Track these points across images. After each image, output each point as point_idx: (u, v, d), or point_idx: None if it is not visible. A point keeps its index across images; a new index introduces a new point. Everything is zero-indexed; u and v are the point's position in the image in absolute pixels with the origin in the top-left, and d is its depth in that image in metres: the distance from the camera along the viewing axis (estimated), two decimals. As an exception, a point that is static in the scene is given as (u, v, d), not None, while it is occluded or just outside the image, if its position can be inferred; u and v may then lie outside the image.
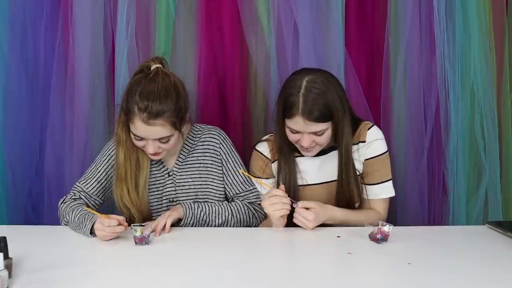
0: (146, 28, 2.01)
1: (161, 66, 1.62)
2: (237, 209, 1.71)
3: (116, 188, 1.66)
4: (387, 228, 1.45)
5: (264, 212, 1.72)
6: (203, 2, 1.99)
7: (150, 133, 1.55)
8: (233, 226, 1.70)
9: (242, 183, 1.75)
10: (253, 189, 1.76)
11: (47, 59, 2.03)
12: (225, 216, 1.69)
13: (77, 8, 1.96)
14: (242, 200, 1.75)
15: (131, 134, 1.60)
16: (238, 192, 1.75)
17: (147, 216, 1.71)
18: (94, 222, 1.52)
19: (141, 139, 1.58)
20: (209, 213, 1.68)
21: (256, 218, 1.74)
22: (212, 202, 1.72)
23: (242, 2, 1.98)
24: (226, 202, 1.74)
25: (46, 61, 2.03)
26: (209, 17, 2.00)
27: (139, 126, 1.54)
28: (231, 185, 1.75)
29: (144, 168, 1.68)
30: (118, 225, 1.49)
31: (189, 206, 1.67)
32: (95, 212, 1.54)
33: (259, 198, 1.76)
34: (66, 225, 1.65)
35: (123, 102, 1.60)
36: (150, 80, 1.56)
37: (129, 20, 1.97)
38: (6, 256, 1.22)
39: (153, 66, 1.61)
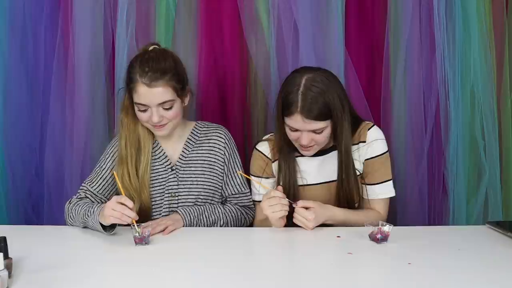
0: (146, 28, 2.01)
1: (158, 47, 1.70)
2: (232, 216, 1.74)
3: (117, 171, 1.69)
4: (387, 228, 1.45)
5: (253, 215, 1.78)
6: (203, 2, 1.99)
7: (153, 96, 1.58)
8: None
9: (238, 184, 1.77)
10: (248, 192, 1.79)
11: (47, 59, 2.03)
12: (219, 224, 1.72)
13: (77, 8, 1.96)
14: (235, 203, 1.78)
15: (135, 108, 1.64)
16: (233, 193, 1.77)
17: (147, 202, 1.71)
18: (102, 208, 1.50)
19: (145, 109, 1.61)
20: (206, 225, 1.70)
21: (246, 221, 1.79)
22: (210, 207, 1.73)
23: (242, 2, 1.98)
24: (223, 208, 1.74)
25: (46, 61, 2.03)
26: (209, 17, 2.00)
27: (141, 92, 1.59)
28: (227, 185, 1.77)
29: (145, 153, 1.71)
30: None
31: (190, 222, 1.67)
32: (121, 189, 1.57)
33: (252, 201, 1.79)
34: (71, 223, 1.65)
35: (125, 81, 1.66)
36: (149, 52, 1.66)
37: (129, 20, 1.97)
38: (6, 256, 1.22)
39: (151, 47, 1.68)
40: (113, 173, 1.70)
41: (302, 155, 1.70)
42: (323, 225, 1.60)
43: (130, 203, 1.46)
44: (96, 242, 1.51)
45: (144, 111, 1.62)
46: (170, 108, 1.62)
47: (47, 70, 2.03)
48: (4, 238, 1.24)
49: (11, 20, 2.00)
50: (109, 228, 1.53)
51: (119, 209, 1.45)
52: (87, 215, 1.56)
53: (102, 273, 1.29)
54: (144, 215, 1.69)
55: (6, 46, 2.01)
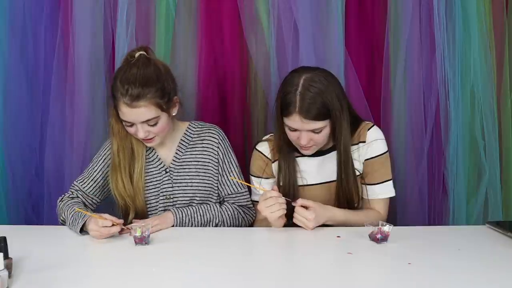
0: (146, 28, 2.01)
1: (145, 53, 1.65)
2: (228, 215, 1.72)
3: (111, 178, 1.70)
4: (387, 228, 1.45)
5: (253, 215, 1.77)
6: (203, 2, 1.99)
7: (135, 115, 1.57)
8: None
9: (235, 184, 1.76)
10: (245, 191, 1.78)
11: (47, 59, 2.03)
12: (215, 222, 1.71)
13: (77, 8, 1.96)
14: (232, 203, 1.76)
15: (122, 122, 1.63)
16: (229, 193, 1.76)
17: (141, 207, 1.72)
18: (85, 221, 1.54)
19: (131, 124, 1.61)
20: (200, 223, 1.69)
21: (245, 221, 1.77)
22: (205, 206, 1.72)
23: (242, 2, 1.98)
24: (218, 207, 1.73)
25: (46, 61, 2.03)
26: (209, 17, 2.00)
27: (124, 111, 1.58)
28: (223, 185, 1.76)
29: (139, 160, 1.71)
30: (112, 225, 1.50)
31: (181, 219, 1.66)
32: (87, 213, 1.55)
33: (250, 201, 1.78)
34: (63, 223, 1.66)
35: (111, 91, 1.64)
36: (132, 66, 1.61)
37: (129, 20, 1.97)
38: (6, 256, 1.22)
39: (137, 54, 1.64)
40: (106, 176, 1.72)
41: (302, 155, 1.70)
42: (323, 225, 1.60)
43: (108, 222, 1.50)
44: (96, 242, 1.51)
45: (130, 126, 1.62)
46: (155, 124, 1.61)
47: (47, 70, 2.03)
48: (4, 238, 1.24)
49: (11, 20, 2.00)
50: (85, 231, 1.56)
51: (103, 231, 1.50)
52: (72, 225, 1.57)
53: (102, 273, 1.29)
54: (141, 218, 1.69)
55: (6, 46, 2.01)
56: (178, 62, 2.00)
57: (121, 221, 1.53)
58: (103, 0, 1.99)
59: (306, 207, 1.56)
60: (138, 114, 1.57)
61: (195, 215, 1.69)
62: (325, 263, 1.35)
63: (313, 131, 1.57)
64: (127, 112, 1.57)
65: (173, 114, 1.68)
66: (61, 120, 2.03)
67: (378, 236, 1.45)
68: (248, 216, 1.77)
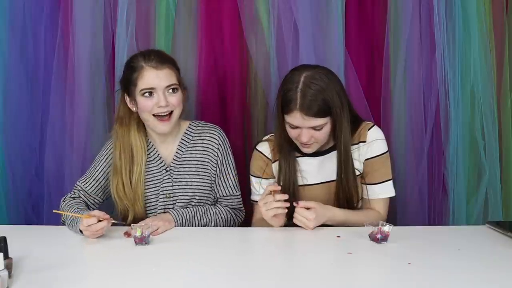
0: (146, 28, 2.01)
1: None
2: (221, 218, 1.74)
3: (112, 180, 1.70)
4: (387, 228, 1.45)
5: (243, 217, 1.81)
6: (203, 2, 1.99)
7: (160, 78, 1.63)
8: None
9: (230, 187, 1.78)
10: (239, 194, 1.80)
11: (47, 59, 2.03)
12: (210, 226, 1.72)
13: (77, 8, 1.96)
14: (225, 205, 1.78)
15: (139, 100, 1.64)
16: (224, 195, 1.78)
17: (140, 210, 1.72)
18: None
19: (151, 93, 1.63)
20: (197, 226, 1.70)
21: (236, 223, 1.79)
22: (202, 209, 1.73)
23: (242, 2, 1.98)
24: (213, 210, 1.74)
25: (46, 61, 2.03)
26: (209, 17, 2.00)
27: (149, 75, 1.63)
28: (219, 186, 1.77)
29: (138, 164, 1.71)
30: (99, 221, 1.49)
31: (181, 224, 1.67)
32: (75, 215, 1.55)
33: (242, 204, 1.81)
34: (65, 223, 1.65)
35: (122, 81, 1.70)
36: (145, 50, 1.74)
37: (129, 20, 1.97)
38: (6, 256, 1.22)
39: None
40: (108, 176, 1.72)
41: (302, 155, 1.70)
42: (323, 225, 1.60)
43: (93, 220, 1.48)
44: (96, 242, 1.51)
45: (150, 96, 1.63)
46: (176, 91, 1.66)
47: (47, 70, 2.03)
48: (4, 238, 1.24)
49: (11, 20, 2.00)
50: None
51: (91, 229, 1.49)
52: (72, 224, 1.58)
53: (102, 273, 1.29)
54: (139, 221, 1.69)
55: (6, 46, 2.01)
56: (178, 62, 1.99)
57: (107, 215, 1.52)
58: (103, 0, 1.99)
59: (306, 208, 1.56)
60: (163, 76, 1.63)
61: (193, 220, 1.70)
62: (325, 263, 1.35)
63: (314, 128, 1.57)
64: (152, 76, 1.62)
65: (183, 102, 1.70)
66: (61, 120, 2.03)
67: (378, 236, 1.45)
68: (239, 218, 1.81)
